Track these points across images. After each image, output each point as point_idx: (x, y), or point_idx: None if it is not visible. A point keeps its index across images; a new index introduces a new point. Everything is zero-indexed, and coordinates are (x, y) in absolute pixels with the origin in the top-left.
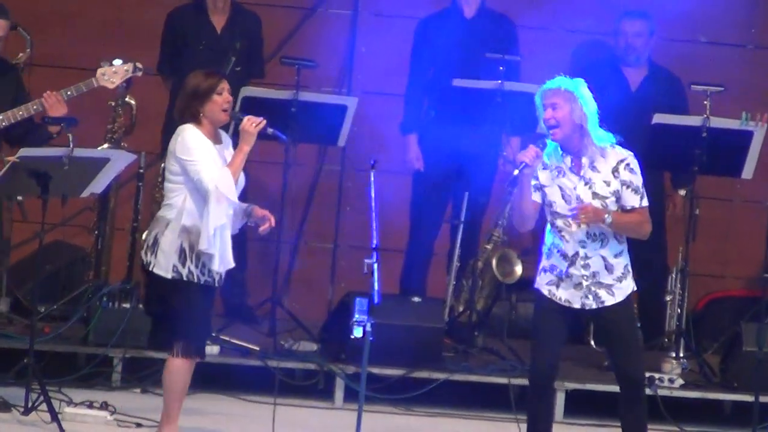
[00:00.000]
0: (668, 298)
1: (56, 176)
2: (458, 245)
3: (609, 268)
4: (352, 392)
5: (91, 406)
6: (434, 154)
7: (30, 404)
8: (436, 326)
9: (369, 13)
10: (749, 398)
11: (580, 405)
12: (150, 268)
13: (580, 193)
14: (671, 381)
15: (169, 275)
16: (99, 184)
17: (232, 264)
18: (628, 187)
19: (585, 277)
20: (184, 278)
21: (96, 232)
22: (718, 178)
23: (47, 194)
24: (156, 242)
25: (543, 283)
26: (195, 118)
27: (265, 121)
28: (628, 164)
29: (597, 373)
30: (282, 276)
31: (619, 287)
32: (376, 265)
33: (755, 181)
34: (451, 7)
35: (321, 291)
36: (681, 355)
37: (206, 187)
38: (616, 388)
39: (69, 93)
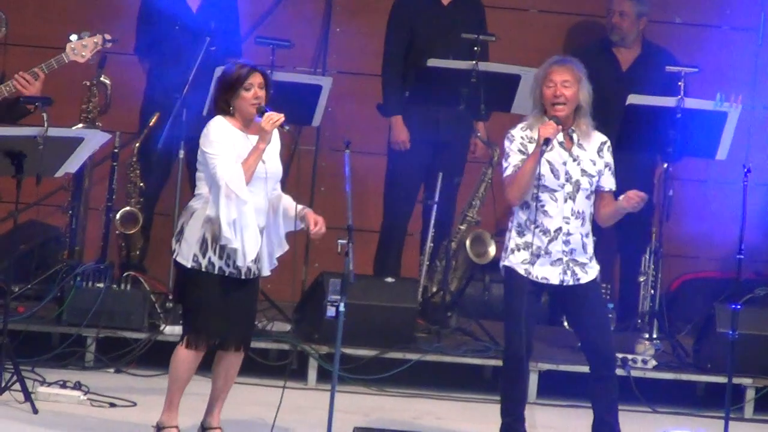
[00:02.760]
0: (642, 279)
1: (31, 155)
2: (432, 226)
3: (584, 247)
4: (326, 372)
5: (64, 385)
6: (409, 134)
7: (3, 384)
8: (410, 306)
9: None
10: (722, 380)
11: (553, 386)
12: (174, 256)
13: (570, 169)
14: (644, 362)
15: (189, 264)
16: (73, 164)
17: (251, 257)
18: (609, 168)
19: (564, 253)
20: (203, 269)
21: (70, 212)
22: (692, 159)
23: (22, 173)
24: (182, 231)
25: (517, 261)
26: (225, 110)
27: (283, 117)
28: (609, 147)
29: (570, 354)
30: None
31: (591, 266)
32: (351, 245)
33: (729, 162)
34: None
35: (295, 271)
36: (654, 336)
37: (218, 183)
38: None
39: (42, 70)
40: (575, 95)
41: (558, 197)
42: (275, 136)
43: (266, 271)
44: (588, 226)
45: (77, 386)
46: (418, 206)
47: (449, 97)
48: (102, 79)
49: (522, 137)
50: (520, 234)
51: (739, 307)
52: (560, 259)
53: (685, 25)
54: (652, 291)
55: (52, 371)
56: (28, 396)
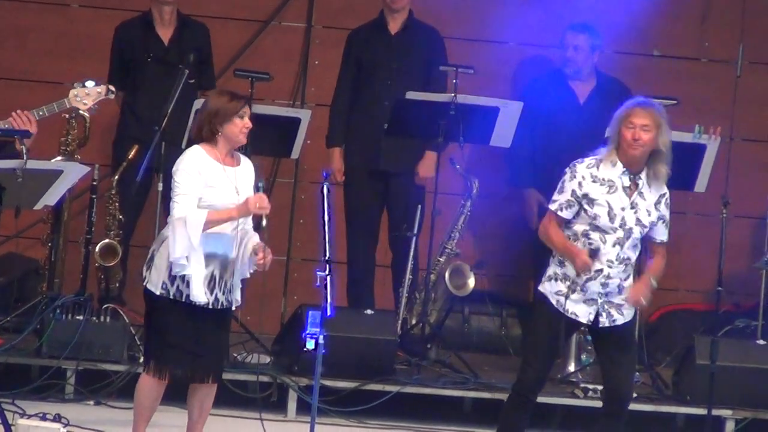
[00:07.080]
0: None
1: (9, 188)
2: (411, 258)
3: (621, 289)
4: (305, 404)
5: (44, 418)
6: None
7: None
8: (389, 339)
9: (322, 26)
10: (702, 411)
11: (533, 418)
12: (144, 283)
13: (626, 215)
14: None
15: (157, 291)
16: (52, 196)
17: (200, 300)
18: (663, 221)
19: (600, 295)
20: (171, 296)
21: (49, 244)
22: (671, 191)
23: (0, 206)
24: (152, 258)
25: (551, 291)
26: (210, 138)
27: (269, 209)
28: (667, 200)
29: (550, 386)
30: None
31: (627, 307)
32: (328, 278)
33: (708, 194)
34: (379, 20)
35: (274, 303)
36: None
37: (172, 214)
38: (569, 401)
39: (41, 113)
40: (653, 140)
41: (608, 240)
42: (251, 168)
43: (238, 302)
44: (630, 271)
45: (57, 418)
46: (387, 238)
47: (428, 129)
48: (81, 111)
49: (584, 175)
50: (561, 264)
51: (718, 338)
52: (594, 300)
53: (663, 57)
54: None
55: (31, 403)
56: (8, 428)
